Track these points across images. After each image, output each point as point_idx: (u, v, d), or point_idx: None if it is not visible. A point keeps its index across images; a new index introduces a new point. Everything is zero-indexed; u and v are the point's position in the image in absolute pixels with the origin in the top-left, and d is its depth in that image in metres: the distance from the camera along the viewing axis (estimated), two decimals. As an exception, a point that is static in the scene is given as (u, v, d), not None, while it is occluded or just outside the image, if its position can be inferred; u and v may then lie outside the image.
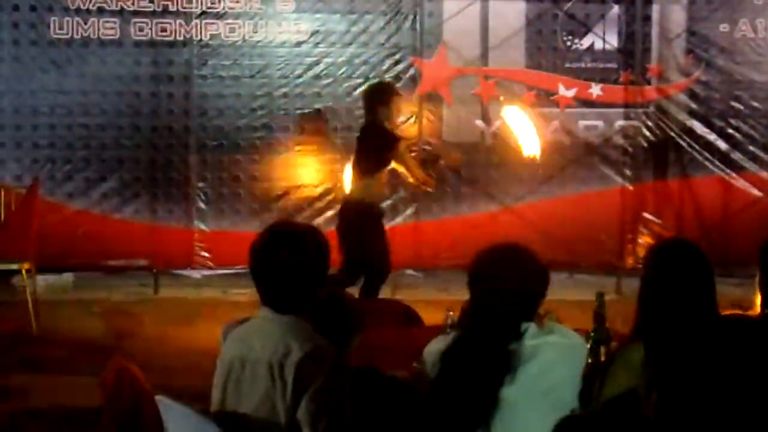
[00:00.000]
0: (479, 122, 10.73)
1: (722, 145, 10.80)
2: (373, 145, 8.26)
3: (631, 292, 7.24)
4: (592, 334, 4.35)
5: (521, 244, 3.75)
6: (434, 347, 3.70)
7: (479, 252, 3.69)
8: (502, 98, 9.72)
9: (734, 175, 10.80)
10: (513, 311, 3.58)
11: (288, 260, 3.54)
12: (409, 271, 10.68)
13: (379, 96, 8.44)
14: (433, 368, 3.64)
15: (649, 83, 10.80)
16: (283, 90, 10.48)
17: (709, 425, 1.98)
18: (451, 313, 4.56)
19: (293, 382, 3.43)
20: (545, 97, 10.72)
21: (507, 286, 3.59)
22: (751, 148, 10.81)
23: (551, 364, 3.53)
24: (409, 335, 5.28)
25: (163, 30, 10.30)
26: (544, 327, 3.62)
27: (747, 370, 2.80)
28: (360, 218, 8.23)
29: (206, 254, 10.42)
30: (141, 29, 10.27)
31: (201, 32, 10.34)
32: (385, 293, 9.72)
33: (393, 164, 8.26)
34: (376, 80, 9.97)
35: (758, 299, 4.45)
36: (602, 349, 4.31)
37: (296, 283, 3.56)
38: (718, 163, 10.80)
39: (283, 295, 3.57)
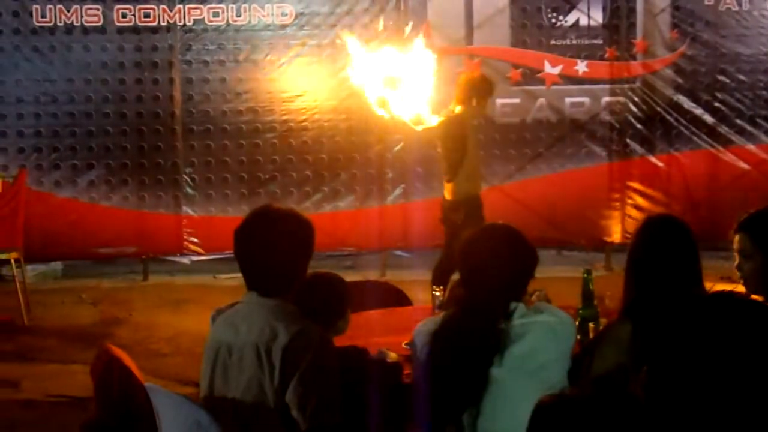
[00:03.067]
0: (465, 101, 10.69)
1: (709, 119, 10.80)
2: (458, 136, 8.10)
3: (619, 267, 7.29)
4: (580, 311, 4.36)
5: (510, 224, 3.75)
6: (423, 328, 3.70)
7: (468, 232, 3.69)
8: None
9: (721, 148, 10.81)
10: (502, 291, 3.58)
11: (271, 244, 3.54)
12: (398, 252, 10.69)
13: (480, 89, 8.20)
14: (422, 349, 3.64)
15: (634, 59, 10.79)
16: (269, 74, 10.43)
17: (699, 403, 1.98)
18: (437, 293, 4.56)
19: (281, 366, 3.42)
20: (531, 75, 10.70)
21: (496, 266, 3.59)
22: (738, 121, 10.81)
23: (540, 343, 3.53)
24: (398, 315, 5.30)
25: (147, 16, 10.26)
26: (532, 306, 3.62)
27: (734, 346, 2.80)
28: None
29: (195, 240, 10.40)
30: (124, 15, 10.23)
31: (184, 17, 10.31)
32: (374, 274, 9.76)
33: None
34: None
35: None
36: (591, 326, 4.32)
37: (280, 267, 3.55)
38: (705, 137, 10.81)
39: (268, 279, 3.56)
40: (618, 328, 3.62)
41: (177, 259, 10.59)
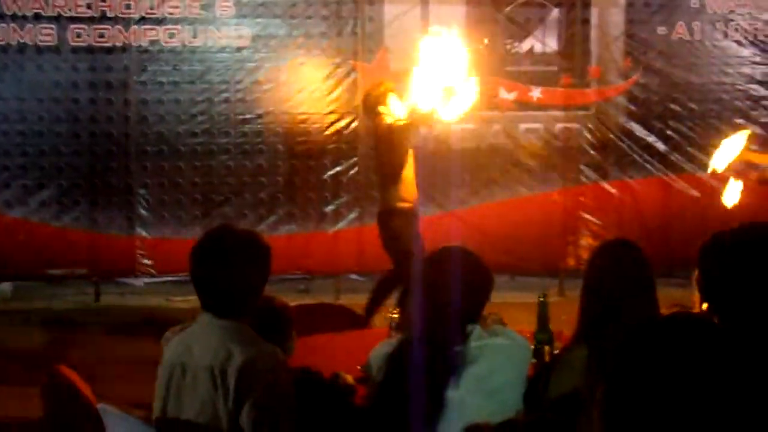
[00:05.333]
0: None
1: (661, 146, 10.90)
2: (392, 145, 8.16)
3: (573, 293, 7.30)
4: (536, 334, 4.37)
5: (466, 247, 3.76)
6: (380, 351, 3.70)
7: (425, 255, 3.69)
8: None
9: (673, 176, 10.90)
10: (458, 313, 3.58)
11: (228, 265, 3.52)
12: (353, 276, 10.67)
13: (378, 98, 8.31)
14: (379, 372, 3.63)
15: (588, 86, 10.88)
16: (224, 95, 10.41)
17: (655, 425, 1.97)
18: (393, 315, 4.55)
19: (235, 388, 3.40)
20: (486, 101, 10.73)
21: (452, 289, 3.59)
22: (689, 149, 10.91)
23: (496, 365, 3.54)
24: (354, 338, 5.28)
25: (101, 36, 10.18)
26: (489, 329, 3.63)
27: (691, 368, 2.80)
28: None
29: (148, 261, 10.32)
30: (79, 35, 10.15)
31: (140, 38, 10.25)
32: (328, 298, 9.73)
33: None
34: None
35: (697, 299, 4.50)
36: (546, 350, 4.33)
37: (237, 288, 3.53)
38: (657, 164, 10.90)
39: (224, 299, 3.53)
40: (573, 352, 3.62)
41: (130, 281, 10.50)
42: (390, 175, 8.16)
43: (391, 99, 8.24)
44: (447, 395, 3.50)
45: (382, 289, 8.34)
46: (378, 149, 8.39)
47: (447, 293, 3.60)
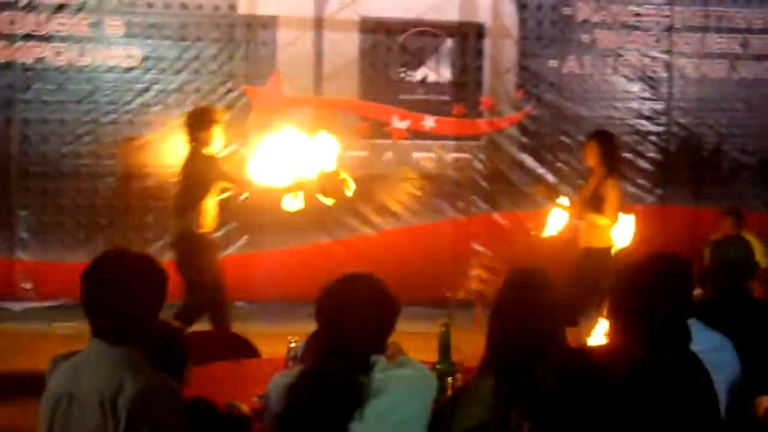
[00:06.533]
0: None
1: (551, 178, 10.97)
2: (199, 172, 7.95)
3: (462, 323, 7.28)
4: (437, 365, 4.28)
5: (371, 274, 3.64)
6: (279, 381, 3.54)
7: (328, 282, 3.56)
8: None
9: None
10: (363, 343, 3.46)
11: (123, 288, 3.33)
12: (240, 303, 10.46)
13: (201, 121, 8.07)
14: (278, 403, 3.48)
15: (481, 116, 10.91)
16: (112, 116, 10.19)
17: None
18: (293, 344, 4.42)
19: (127, 419, 3.22)
20: (379, 129, 10.70)
21: (356, 317, 3.47)
22: (579, 181, 10.98)
23: (402, 397, 3.42)
24: (247, 367, 5.14)
25: (-15, 52, 9.90)
26: (394, 360, 3.51)
27: (603, 401, 2.77)
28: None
29: (29, 285, 9.99)
30: (-39, 50, 9.86)
31: (25, 55, 9.96)
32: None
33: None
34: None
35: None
36: (449, 381, 4.24)
37: (132, 313, 3.35)
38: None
39: (117, 325, 3.35)
40: (480, 383, 3.52)
41: (9, 305, 10.15)
42: (191, 202, 7.93)
43: (216, 130, 8.03)
44: (350, 428, 3.37)
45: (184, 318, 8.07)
46: (184, 172, 8.07)
47: (351, 322, 3.48)
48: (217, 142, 8.06)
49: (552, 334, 3.51)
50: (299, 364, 3.74)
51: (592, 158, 8.30)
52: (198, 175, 7.94)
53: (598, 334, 4.55)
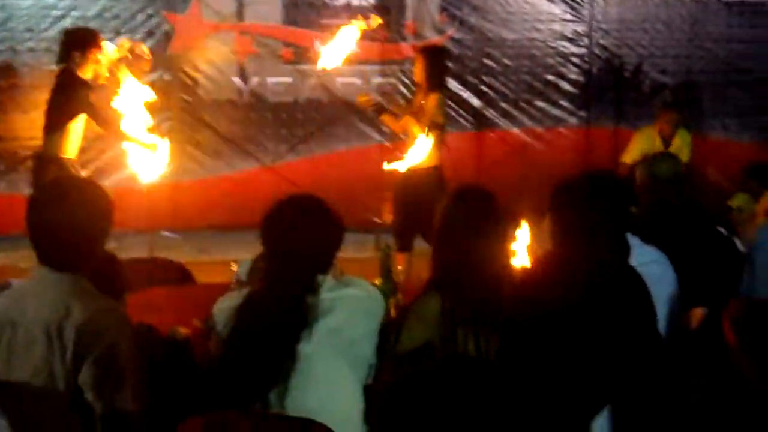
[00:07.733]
0: (236, 79, 10.52)
1: (475, 102, 11.00)
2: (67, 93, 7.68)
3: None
4: (380, 286, 4.29)
5: (314, 195, 3.63)
6: (225, 304, 3.53)
7: (273, 203, 3.54)
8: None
9: (487, 131, 11.02)
10: (308, 264, 3.46)
11: (69, 214, 3.28)
12: (166, 233, 10.38)
13: (79, 41, 7.82)
14: (225, 326, 3.47)
15: (405, 40, 10.85)
16: (28, 44, 9.94)
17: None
18: (235, 268, 4.41)
19: (74, 346, 3.19)
20: (302, 54, 10.60)
21: (302, 237, 3.47)
22: (503, 104, 11.06)
23: (350, 317, 3.43)
24: (187, 293, 5.12)
25: None
26: (341, 279, 3.51)
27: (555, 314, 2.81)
28: None
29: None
30: None
31: None
32: (141, 254, 9.43)
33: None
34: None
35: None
36: (391, 302, 4.27)
37: (78, 240, 3.30)
38: (471, 119, 11.00)
39: (63, 251, 3.30)
40: (425, 303, 3.55)
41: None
42: (58, 122, 7.73)
43: (94, 55, 7.76)
44: (299, 349, 3.38)
45: None
46: (56, 91, 7.81)
47: (296, 242, 3.47)
48: (90, 69, 7.76)
49: (497, 252, 3.55)
50: (244, 287, 3.72)
51: (418, 73, 8.24)
52: (65, 96, 7.68)
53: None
